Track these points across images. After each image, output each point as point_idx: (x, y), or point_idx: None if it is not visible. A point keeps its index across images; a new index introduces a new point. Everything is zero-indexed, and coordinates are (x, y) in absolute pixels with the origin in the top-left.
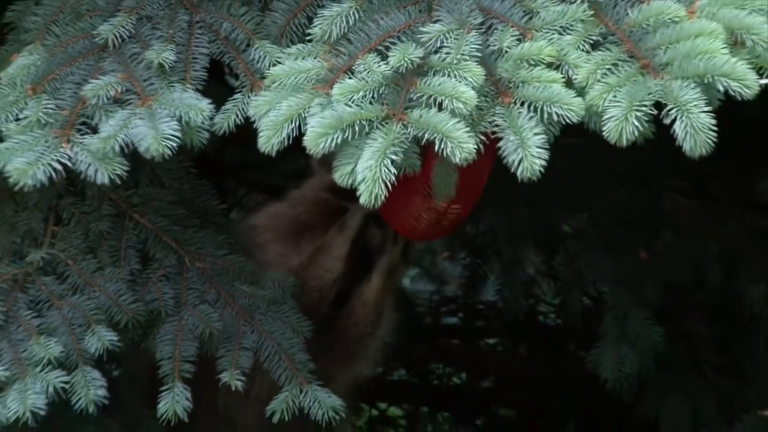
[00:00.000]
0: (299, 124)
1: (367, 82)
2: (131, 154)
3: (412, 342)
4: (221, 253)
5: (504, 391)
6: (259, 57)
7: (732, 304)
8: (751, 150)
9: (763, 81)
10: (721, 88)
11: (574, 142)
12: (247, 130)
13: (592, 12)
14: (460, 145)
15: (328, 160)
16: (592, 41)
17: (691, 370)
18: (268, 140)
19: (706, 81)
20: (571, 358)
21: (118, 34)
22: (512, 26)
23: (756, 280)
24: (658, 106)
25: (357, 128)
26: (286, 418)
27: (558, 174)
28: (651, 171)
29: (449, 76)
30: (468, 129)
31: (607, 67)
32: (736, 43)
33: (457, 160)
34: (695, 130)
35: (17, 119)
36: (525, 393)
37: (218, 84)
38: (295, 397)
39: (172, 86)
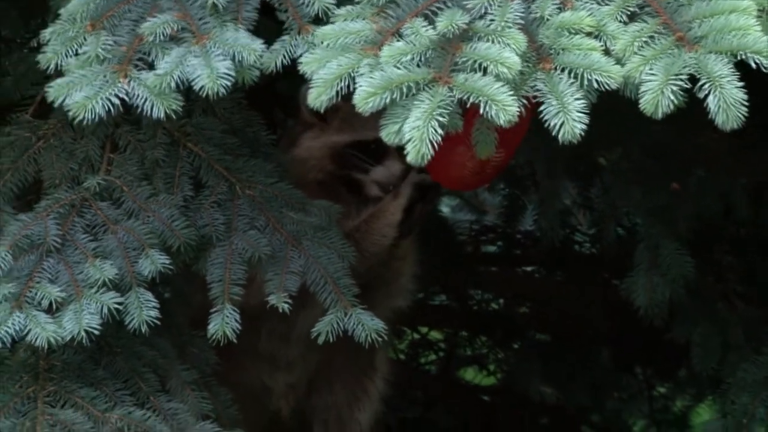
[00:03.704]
0: (348, 83)
1: (414, 45)
2: (186, 86)
3: (453, 269)
4: (270, 181)
5: (540, 317)
6: (309, 1)
7: (760, 236)
8: None
9: None
10: (753, 64)
11: None
12: (296, 65)
13: None
14: (504, 108)
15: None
16: (629, 12)
17: (720, 299)
18: (318, 96)
19: (738, 57)
20: (605, 285)
21: None
22: None
23: None
24: (692, 78)
25: (405, 90)
26: (331, 340)
27: (595, 109)
28: (684, 108)
29: (493, 42)
30: (512, 93)
31: (643, 39)
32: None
33: (501, 122)
34: (728, 104)
35: (77, 54)
36: (560, 318)
37: (269, 20)
38: (339, 319)
39: (225, 25)
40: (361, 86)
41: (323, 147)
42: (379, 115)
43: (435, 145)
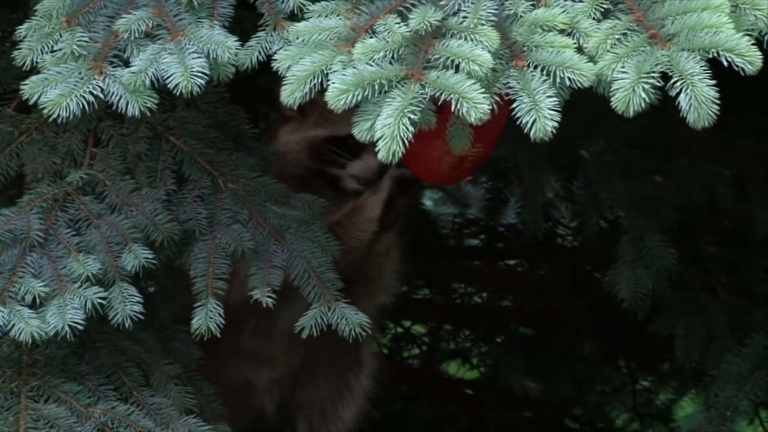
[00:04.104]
0: (321, 80)
1: (387, 42)
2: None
3: (436, 262)
4: (253, 175)
5: (523, 310)
6: None
7: (744, 226)
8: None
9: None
10: (725, 62)
11: None
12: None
13: None
14: (476, 105)
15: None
16: (603, 9)
17: (703, 291)
18: (291, 94)
19: (711, 55)
20: (587, 278)
21: None
22: None
23: (766, 203)
24: (665, 76)
25: (377, 87)
26: (315, 334)
27: (576, 102)
28: (667, 100)
29: (466, 39)
30: (483, 90)
31: (616, 36)
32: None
33: (472, 120)
34: (699, 102)
35: (52, 51)
36: (543, 312)
37: (250, 13)
38: (323, 313)
39: (200, 22)
40: (333, 83)
41: (300, 141)
42: (353, 109)
43: (406, 142)
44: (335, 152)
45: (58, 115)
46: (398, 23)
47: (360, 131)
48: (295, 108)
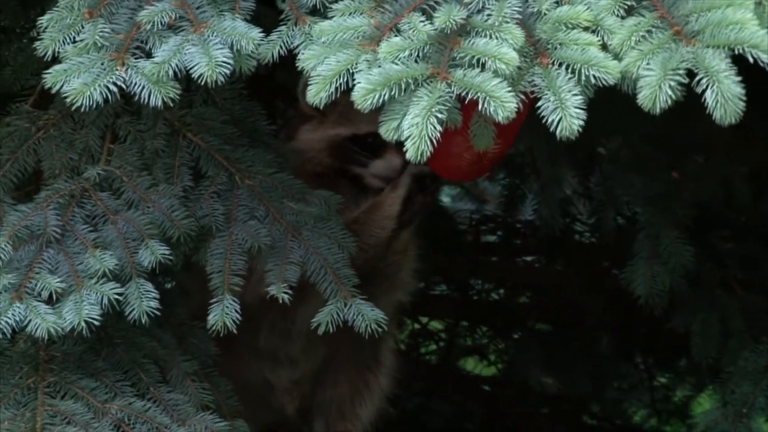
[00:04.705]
0: (347, 79)
1: (412, 41)
2: (186, 76)
3: (453, 258)
4: (270, 171)
5: (540, 306)
6: None
7: (760, 223)
8: None
9: None
10: (751, 59)
11: None
12: (294, 55)
13: None
14: (503, 104)
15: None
16: (626, 5)
17: (720, 287)
18: (317, 93)
19: (736, 51)
20: (604, 274)
21: None
22: None
23: None
24: (690, 73)
25: (403, 86)
26: (331, 330)
27: (594, 98)
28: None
29: (491, 37)
30: (510, 89)
31: (641, 33)
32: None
33: (500, 118)
34: (725, 99)
35: (74, 42)
36: (560, 308)
37: (269, 9)
38: (339, 309)
39: (222, 14)
40: (359, 83)
41: (321, 140)
42: (377, 108)
43: (434, 141)
44: (356, 151)
45: (81, 104)
46: (423, 21)
47: (387, 131)
48: (321, 107)
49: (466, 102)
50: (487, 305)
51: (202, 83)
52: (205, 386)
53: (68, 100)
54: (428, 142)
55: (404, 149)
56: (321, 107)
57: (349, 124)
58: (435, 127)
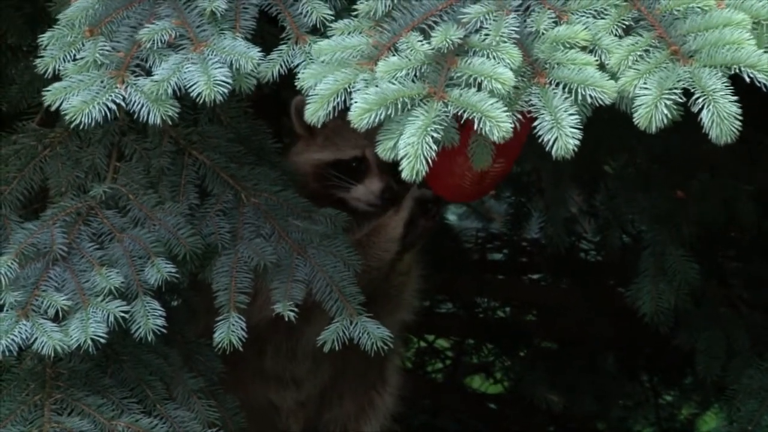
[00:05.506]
0: (344, 98)
1: (410, 60)
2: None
3: (459, 277)
4: (276, 189)
5: (546, 324)
6: (306, 12)
7: (765, 241)
8: None
9: None
10: (747, 78)
11: None
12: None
13: None
14: (498, 124)
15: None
16: (624, 26)
17: (724, 305)
18: (315, 112)
19: (732, 71)
20: (610, 292)
21: None
22: (549, 8)
23: None
24: (686, 92)
25: (400, 105)
26: (337, 348)
27: (599, 116)
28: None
29: (488, 57)
30: (506, 108)
31: (638, 53)
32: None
33: (495, 138)
34: (721, 118)
35: (75, 59)
36: (566, 326)
37: (272, 28)
38: (345, 327)
39: (222, 33)
40: (356, 102)
41: (306, 164)
42: (360, 133)
43: (430, 160)
44: (339, 176)
45: (81, 122)
46: (420, 41)
47: (384, 150)
48: (319, 125)
49: (468, 122)
50: (493, 323)
51: (201, 102)
52: (211, 404)
53: (67, 117)
54: (424, 162)
55: (400, 169)
56: (318, 126)
57: (333, 149)
58: (431, 147)
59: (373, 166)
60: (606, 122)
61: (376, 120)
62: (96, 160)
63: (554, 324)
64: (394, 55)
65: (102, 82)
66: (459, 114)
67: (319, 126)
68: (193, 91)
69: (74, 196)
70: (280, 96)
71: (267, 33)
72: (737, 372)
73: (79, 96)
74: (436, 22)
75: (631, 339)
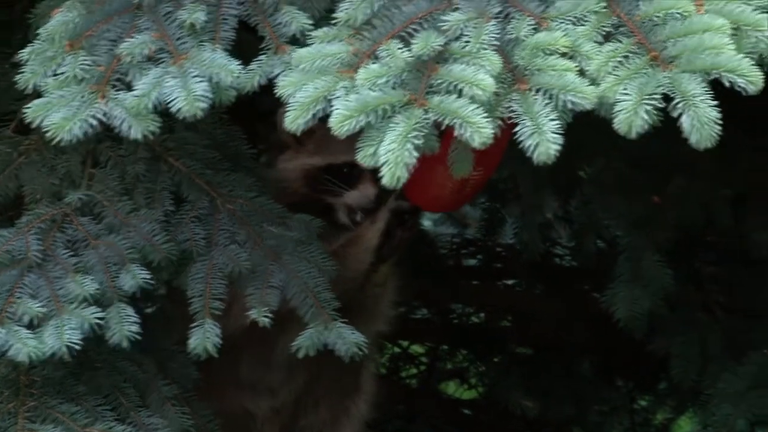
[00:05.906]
0: (324, 106)
1: (390, 67)
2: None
3: (434, 282)
4: (251, 195)
5: (521, 330)
6: (286, 21)
7: (741, 247)
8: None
9: None
10: (727, 83)
11: None
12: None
13: (605, 4)
14: (479, 130)
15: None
16: (604, 32)
17: (700, 310)
18: (295, 120)
19: (712, 76)
20: (585, 298)
21: None
22: (529, 15)
23: (764, 223)
24: (666, 97)
25: (380, 112)
26: (311, 354)
27: (576, 121)
28: (667, 119)
29: (469, 63)
30: (486, 115)
31: (618, 59)
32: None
33: (476, 144)
34: (701, 123)
35: (55, 74)
36: (541, 331)
37: (251, 36)
38: (320, 333)
39: (202, 45)
40: (336, 109)
41: (296, 169)
42: (353, 138)
43: (410, 168)
44: (331, 181)
45: (61, 139)
46: (401, 48)
47: (364, 157)
48: (299, 134)
49: (447, 130)
50: (467, 329)
51: (181, 118)
52: (185, 411)
53: (49, 134)
54: (404, 169)
55: (380, 176)
56: (299, 134)
57: (325, 154)
58: (411, 153)
59: (366, 171)
60: (582, 127)
61: (357, 127)
62: (71, 167)
63: (529, 329)
64: (374, 63)
65: (83, 97)
66: (439, 121)
67: (299, 134)
68: (172, 106)
69: (49, 203)
70: (255, 102)
71: (245, 41)
72: (713, 376)
73: (60, 113)
74: (416, 30)
75: (607, 344)
